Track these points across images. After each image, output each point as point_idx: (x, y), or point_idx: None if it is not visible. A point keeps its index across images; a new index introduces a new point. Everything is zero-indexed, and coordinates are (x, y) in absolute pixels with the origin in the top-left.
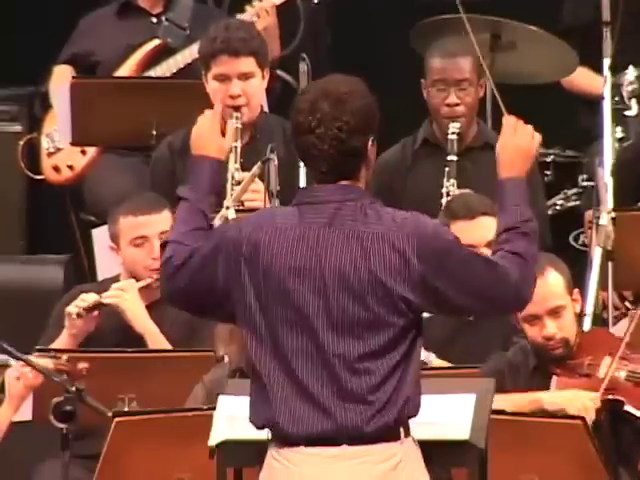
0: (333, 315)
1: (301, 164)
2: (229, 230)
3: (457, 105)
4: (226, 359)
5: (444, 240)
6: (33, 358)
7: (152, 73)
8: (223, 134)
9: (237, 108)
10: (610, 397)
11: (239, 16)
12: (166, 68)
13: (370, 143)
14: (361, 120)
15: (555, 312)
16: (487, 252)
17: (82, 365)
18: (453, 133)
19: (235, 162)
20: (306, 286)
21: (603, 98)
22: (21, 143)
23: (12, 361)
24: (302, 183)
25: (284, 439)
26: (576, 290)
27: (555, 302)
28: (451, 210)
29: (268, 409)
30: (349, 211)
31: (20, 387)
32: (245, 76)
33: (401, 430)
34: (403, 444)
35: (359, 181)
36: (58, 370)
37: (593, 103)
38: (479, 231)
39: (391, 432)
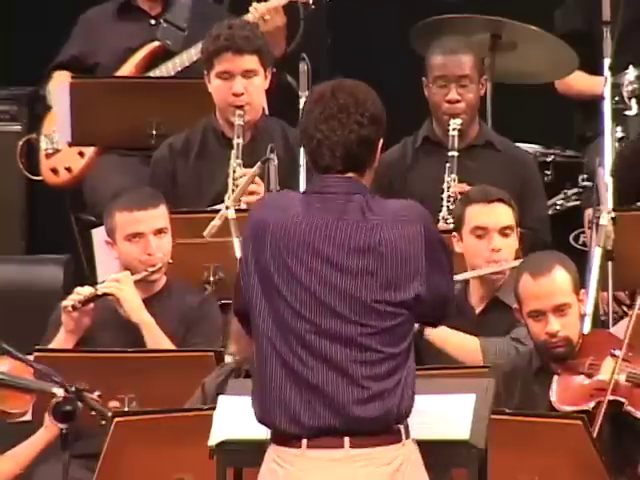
0: (338, 299)
1: (301, 165)
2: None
3: (458, 102)
4: (227, 359)
5: (442, 238)
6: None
7: (151, 75)
8: None
9: (239, 107)
10: (610, 398)
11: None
12: (165, 71)
13: (380, 142)
14: (378, 113)
15: (560, 309)
16: (500, 240)
17: (113, 404)
18: (454, 129)
19: (237, 158)
20: (312, 271)
21: (603, 98)
22: (20, 144)
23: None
24: (302, 183)
25: (284, 436)
26: (582, 290)
27: (561, 299)
28: (468, 196)
29: (269, 402)
30: (356, 204)
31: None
32: (248, 74)
33: (402, 432)
34: (404, 446)
35: (364, 177)
36: (90, 406)
37: (588, 108)
38: (493, 215)
39: (392, 433)
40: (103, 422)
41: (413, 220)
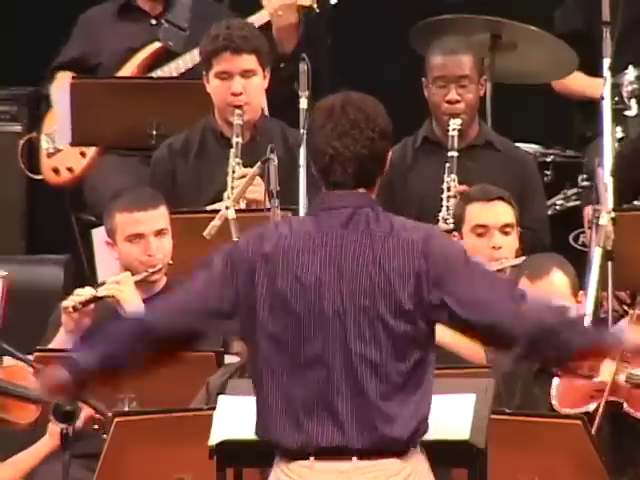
0: (346, 313)
1: (301, 165)
2: (237, 248)
3: (458, 102)
4: (227, 359)
5: (455, 248)
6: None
7: (154, 76)
8: None
9: (238, 107)
10: (609, 399)
11: (260, 12)
12: (168, 71)
13: (389, 155)
14: (387, 128)
15: None
16: (501, 237)
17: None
18: (454, 129)
19: (236, 157)
20: (325, 287)
21: (603, 98)
22: (21, 142)
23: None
24: (302, 184)
25: (292, 453)
26: (581, 292)
27: (559, 302)
28: (468, 194)
29: (277, 423)
30: (363, 215)
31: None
32: (247, 74)
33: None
34: (412, 457)
35: (372, 192)
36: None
37: (588, 108)
38: (493, 213)
39: (401, 447)
40: (105, 435)
41: (415, 237)
